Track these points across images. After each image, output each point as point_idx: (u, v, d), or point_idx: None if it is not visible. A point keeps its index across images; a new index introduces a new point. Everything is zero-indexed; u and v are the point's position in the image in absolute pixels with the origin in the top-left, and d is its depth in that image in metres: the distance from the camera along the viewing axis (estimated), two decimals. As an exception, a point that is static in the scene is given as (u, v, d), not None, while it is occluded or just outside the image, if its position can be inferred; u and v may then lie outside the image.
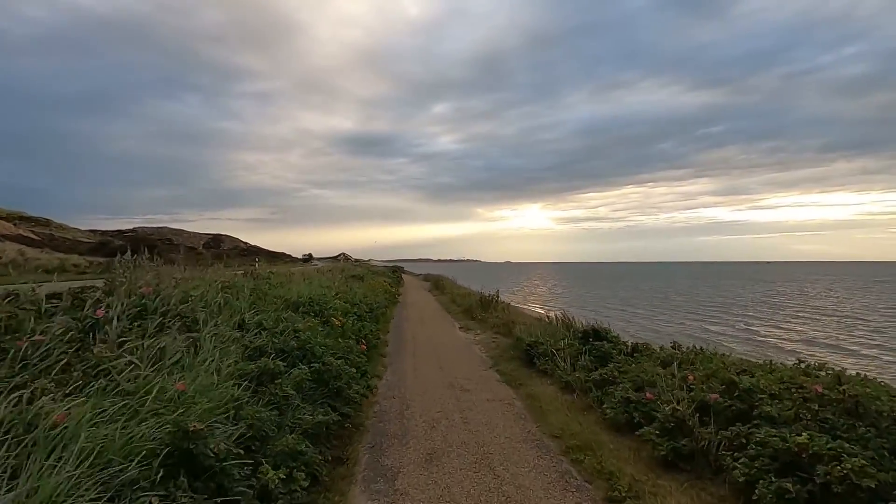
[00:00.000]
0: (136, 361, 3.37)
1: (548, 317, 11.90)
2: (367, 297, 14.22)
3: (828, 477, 2.97)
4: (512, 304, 17.62)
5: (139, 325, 4.03)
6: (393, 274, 39.24)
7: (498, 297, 15.50)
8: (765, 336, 18.36)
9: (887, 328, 20.13)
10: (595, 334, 7.29)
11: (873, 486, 2.86)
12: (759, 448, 3.44)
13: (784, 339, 17.58)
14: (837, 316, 25.10)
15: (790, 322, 22.84)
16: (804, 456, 3.18)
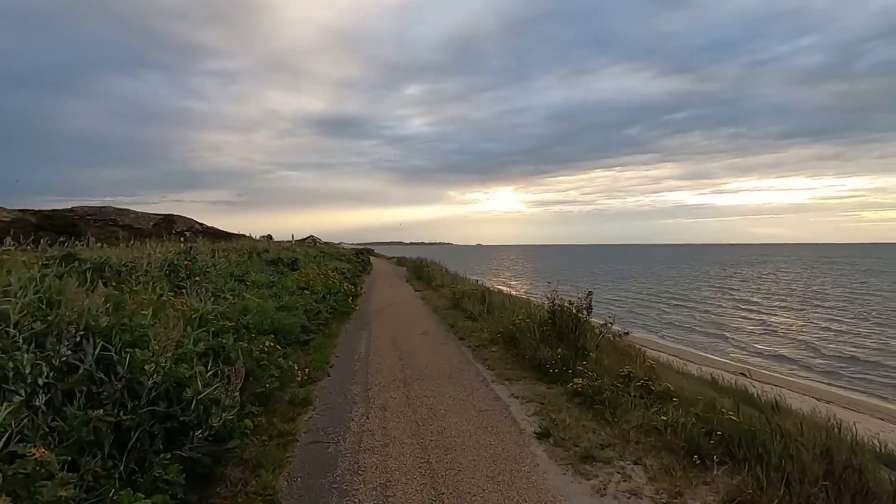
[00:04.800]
0: None
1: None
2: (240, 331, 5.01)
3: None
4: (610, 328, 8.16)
5: None
6: (357, 258, 29.81)
7: (589, 307, 6.42)
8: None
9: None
10: None
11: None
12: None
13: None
14: None
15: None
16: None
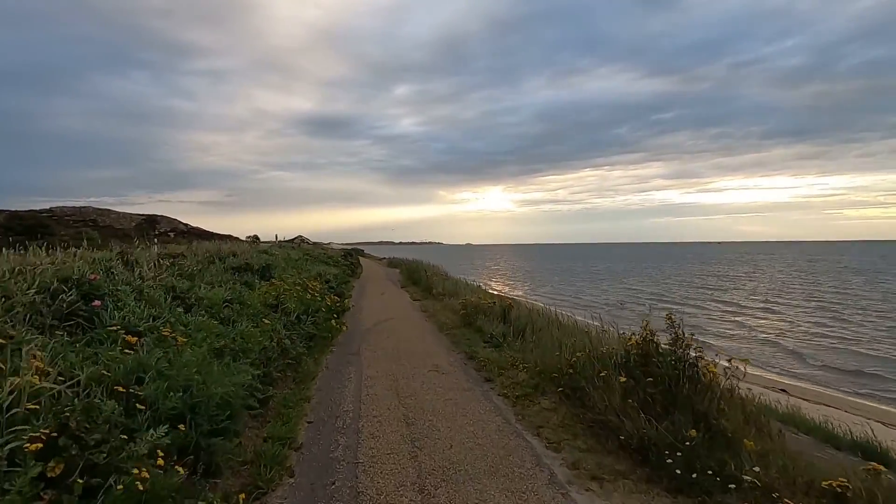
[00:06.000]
0: None
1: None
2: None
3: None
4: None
5: None
6: (345, 260, 27.47)
7: (686, 344, 4.22)
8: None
9: None
10: None
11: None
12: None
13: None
14: None
15: None
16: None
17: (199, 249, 11.16)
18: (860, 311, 20.89)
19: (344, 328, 7.68)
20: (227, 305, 6.50)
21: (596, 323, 6.63)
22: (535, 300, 19.16)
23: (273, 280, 9.51)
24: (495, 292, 17.22)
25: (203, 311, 5.93)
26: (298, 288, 8.81)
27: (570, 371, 4.74)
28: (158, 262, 8.24)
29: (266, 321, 5.32)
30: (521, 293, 25.66)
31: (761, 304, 23.53)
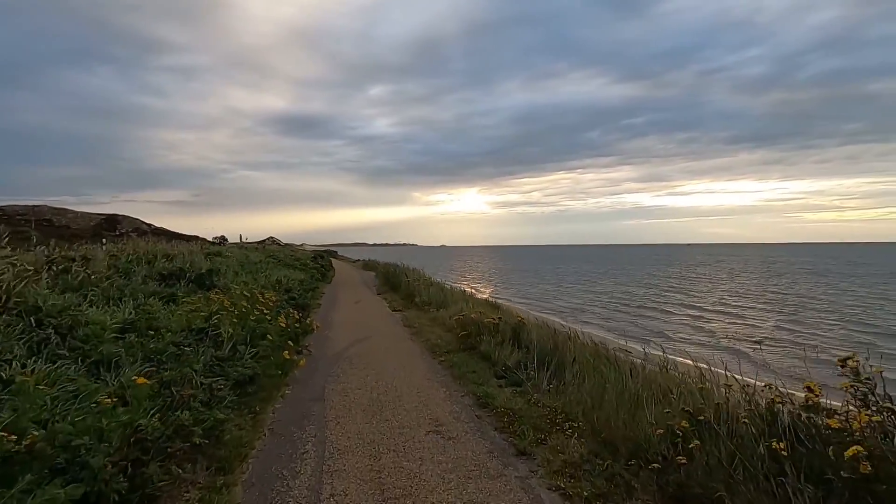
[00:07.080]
0: None
1: None
2: None
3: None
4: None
5: None
6: (315, 263, 25.07)
7: None
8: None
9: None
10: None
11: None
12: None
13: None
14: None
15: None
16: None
17: (121, 251, 8.75)
18: (823, 314, 19.62)
19: (302, 362, 5.53)
20: (118, 337, 4.30)
21: (656, 353, 4.73)
22: (501, 302, 17.10)
23: (212, 291, 7.25)
24: (486, 299, 15.27)
25: (67, 351, 3.73)
26: (244, 302, 6.60)
27: (681, 460, 2.77)
28: (43, 267, 5.94)
29: (195, 348, 3.13)
30: (486, 296, 23.67)
31: (726, 308, 22.08)
